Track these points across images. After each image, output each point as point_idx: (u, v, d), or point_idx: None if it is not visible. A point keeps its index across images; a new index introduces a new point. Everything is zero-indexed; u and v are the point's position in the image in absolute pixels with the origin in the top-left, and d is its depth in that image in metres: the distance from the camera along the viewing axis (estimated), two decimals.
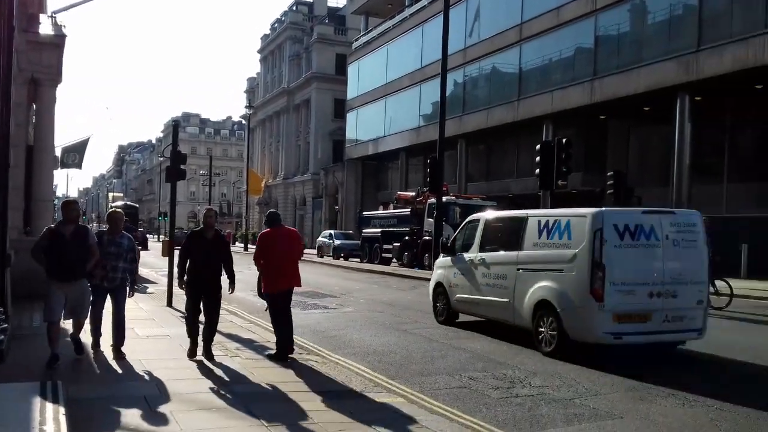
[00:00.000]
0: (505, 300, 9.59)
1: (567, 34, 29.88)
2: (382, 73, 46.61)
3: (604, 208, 8.73)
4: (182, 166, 13.18)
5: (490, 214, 11.31)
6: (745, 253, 21.45)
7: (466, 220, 11.68)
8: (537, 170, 18.32)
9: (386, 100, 46.24)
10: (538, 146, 18.70)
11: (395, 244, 28.74)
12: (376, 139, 47.63)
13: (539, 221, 9.22)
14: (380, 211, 32.88)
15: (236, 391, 6.20)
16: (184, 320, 8.53)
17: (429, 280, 21.32)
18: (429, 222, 25.18)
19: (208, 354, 7.57)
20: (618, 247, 8.10)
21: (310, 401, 5.95)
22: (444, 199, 24.31)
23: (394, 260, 28.84)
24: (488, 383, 7.03)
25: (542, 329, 8.76)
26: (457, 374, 7.46)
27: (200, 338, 7.72)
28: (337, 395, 6.16)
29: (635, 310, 8.16)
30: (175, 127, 14.23)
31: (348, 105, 52.80)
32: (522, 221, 9.63)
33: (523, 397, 6.48)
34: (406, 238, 27.86)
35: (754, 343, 10.23)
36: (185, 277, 7.73)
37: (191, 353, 7.66)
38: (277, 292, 7.85)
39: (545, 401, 6.35)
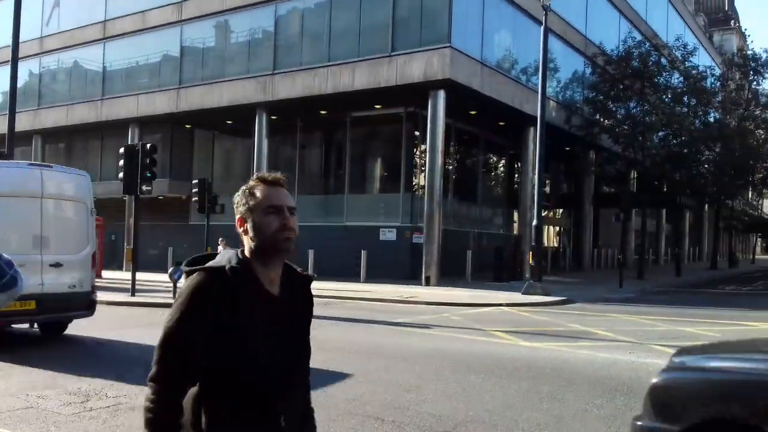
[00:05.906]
0: None
1: (153, 39, 29.78)
2: None
3: None
4: None
5: None
6: (312, 257, 24.48)
7: None
8: (121, 174, 17.87)
9: None
10: (121, 149, 18.25)
11: None
12: None
13: None
14: None
15: None
16: None
17: None
18: None
19: None
20: None
21: None
22: None
23: None
24: (60, 400, 6.71)
25: None
26: (23, 395, 6.91)
27: None
28: None
29: None
30: None
31: None
32: None
33: (98, 410, 6.38)
34: None
35: None
36: None
37: None
38: None
39: (121, 411, 6.38)
